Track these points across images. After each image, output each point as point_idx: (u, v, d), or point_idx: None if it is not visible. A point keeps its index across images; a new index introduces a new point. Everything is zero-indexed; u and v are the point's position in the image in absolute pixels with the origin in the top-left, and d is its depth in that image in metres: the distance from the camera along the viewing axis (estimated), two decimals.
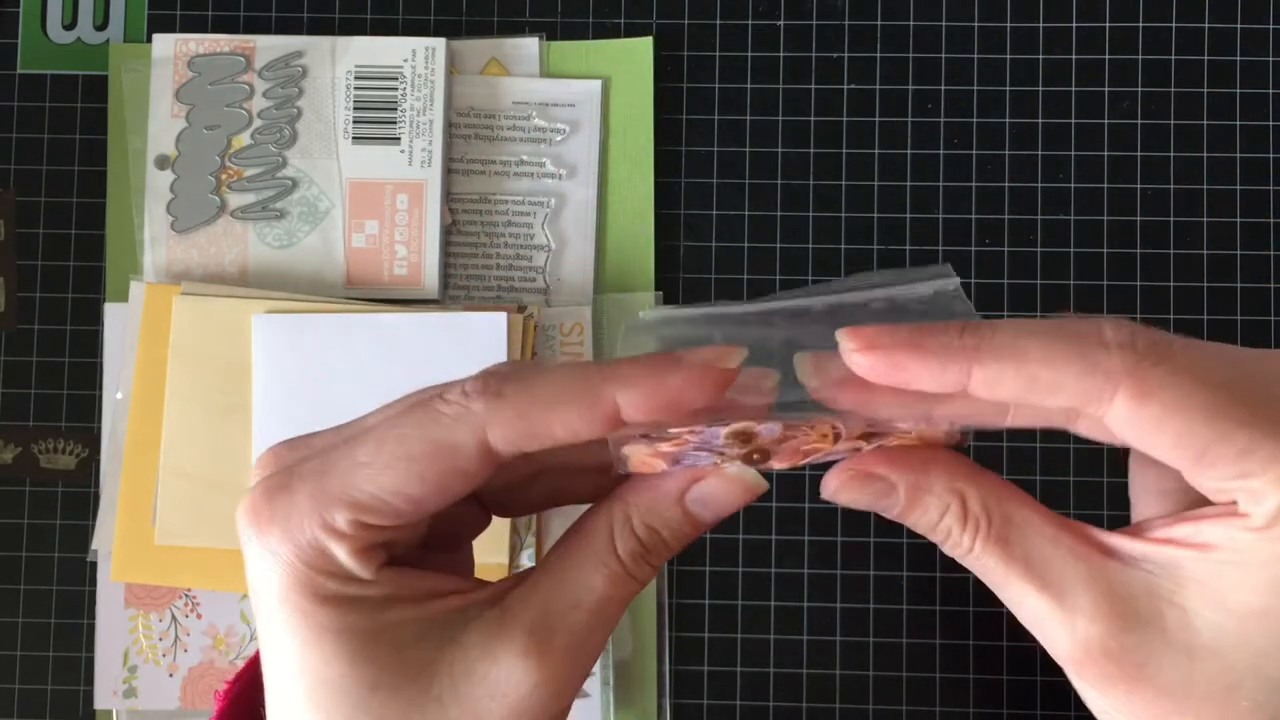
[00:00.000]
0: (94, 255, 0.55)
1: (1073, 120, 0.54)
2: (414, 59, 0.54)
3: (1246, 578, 0.27)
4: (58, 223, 0.55)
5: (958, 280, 0.28)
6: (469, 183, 0.54)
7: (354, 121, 0.54)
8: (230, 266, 0.54)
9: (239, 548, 0.53)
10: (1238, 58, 0.54)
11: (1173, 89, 0.54)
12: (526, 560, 0.52)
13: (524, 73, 0.55)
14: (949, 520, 0.29)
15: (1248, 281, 0.53)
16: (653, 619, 0.53)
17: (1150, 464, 0.33)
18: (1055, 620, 0.28)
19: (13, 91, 0.55)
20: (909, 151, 0.54)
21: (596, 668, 0.52)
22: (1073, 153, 0.54)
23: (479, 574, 0.33)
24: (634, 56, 0.55)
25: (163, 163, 0.54)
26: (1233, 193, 0.54)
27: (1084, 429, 0.29)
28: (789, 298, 0.28)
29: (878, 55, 0.54)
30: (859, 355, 0.27)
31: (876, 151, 0.54)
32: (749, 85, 0.55)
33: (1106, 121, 0.54)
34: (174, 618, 0.53)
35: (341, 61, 0.54)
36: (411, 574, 0.29)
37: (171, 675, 0.53)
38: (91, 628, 0.53)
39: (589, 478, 0.31)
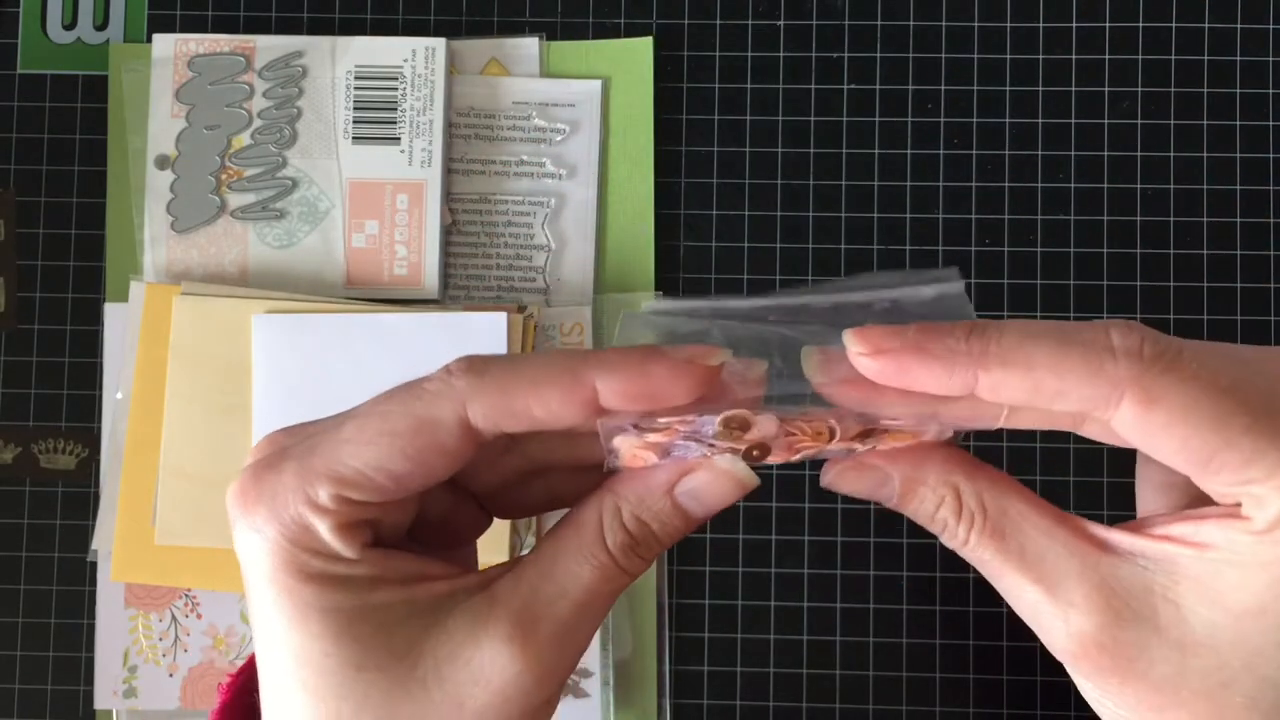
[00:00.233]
0: (94, 255, 0.55)
1: (1073, 120, 0.54)
2: (414, 59, 0.54)
3: (1244, 578, 0.27)
4: (58, 223, 0.55)
5: (962, 284, 0.28)
6: (469, 183, 0.54)
7: (354, 121, 0.54)
8: (230, 266, 0.54)
9: None
10: (1238, 58, 0.54)
11: (1173, 89, 0.54)
12: None
13: (524, 73, 0.55)
14: (944, 512, 0.29)
15: (1248, 281, 0.53)
16: (653, 619, 0.53)
17: (1155, 459, 0.33)
18: (1050, 613, 0.28)
19: (13, 91, 0.55)
20: (909, 151, 0.54)
21: (596, 667, 0.52)
22: (1073, 153, 0.54)
23: None
24: (634, 56, 0.55)
25: (163, 163, 0.54)
26: (1233, 193, 0.54)
27: (1089, 431, 0.29)
28: (790, 295, 0.28)
29: (878, 55, 0.54)
30: (866, 359, 0.27)
31: (876, 151, 0.54)
32: (749, 85, 0.55)
33: (1106, 121, 0.54)
34: (174, 618, 0.53)
35: (341, 61, 0.54)
36: (398, 556, 0.29)
37: (171, 675, 0.53)
38: (91, 628, 0.53)
39: (589, 479, 0.31)
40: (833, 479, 0.30)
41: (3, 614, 0.54)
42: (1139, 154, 0.54)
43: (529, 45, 0.55)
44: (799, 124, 0.54)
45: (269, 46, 0.54)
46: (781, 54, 0.55)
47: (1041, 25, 0.54)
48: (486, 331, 0.51)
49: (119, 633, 0.53)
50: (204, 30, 0.55)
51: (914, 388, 0.27)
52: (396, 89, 0.54)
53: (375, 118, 0.54)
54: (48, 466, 0.54)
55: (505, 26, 0.55)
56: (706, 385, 0.27)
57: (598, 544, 0.29)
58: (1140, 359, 0.26)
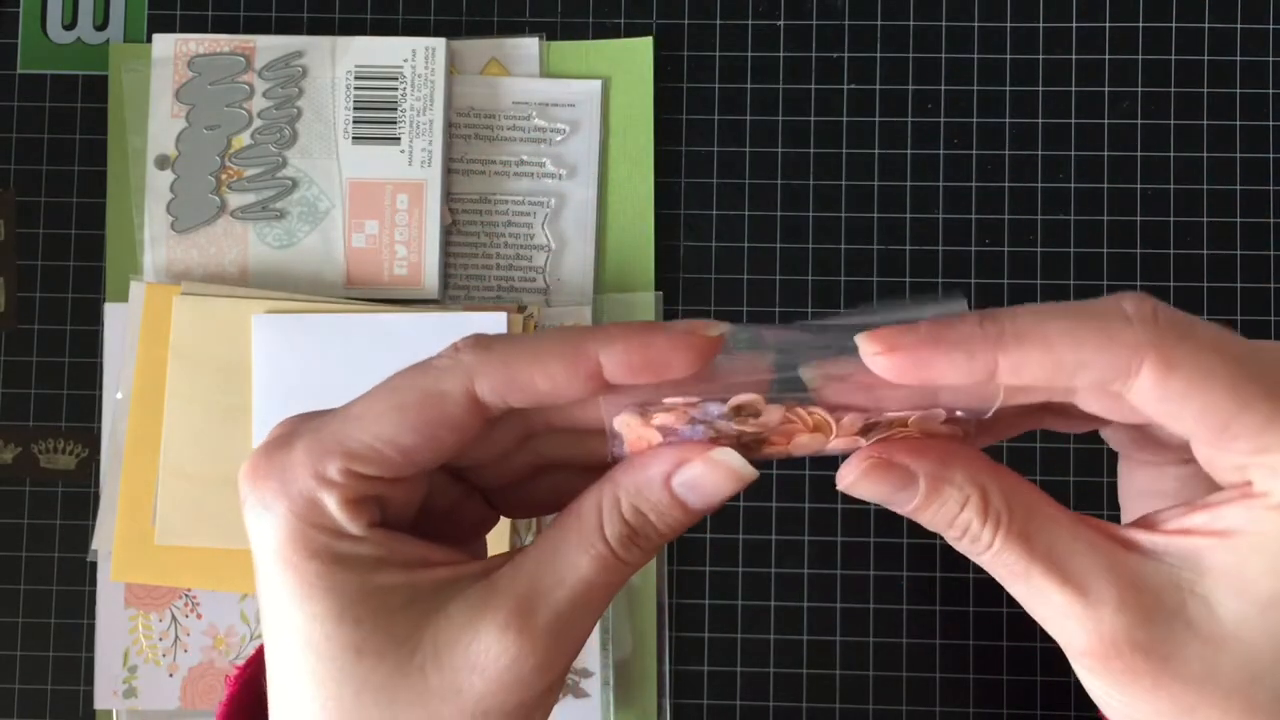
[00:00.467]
0: (94, 255, 0.55)
1: (1073, 120, 0.54)
2: (414, 59, 0.54)
3: (1270, 563, 0.27)
4: (58, 223, 0.55)
5: (965, 304, 0.28)
6: (469, 183, 0.54)
7: (354, 121, 0.54)
8: (230, 266, 0.54)
9: (239, 547, 0.54)
10: (1238, 58, 0.54)
11: (1173, 89, 0.54)
12: None
13: (524, 73, 0.55)
14: (968, 514, 0.28)
15: (1248, 281, 0.53)
16: (653, 619, 0.53)
17: (1141, 467, 0.33)
18: (1078, 614, 0.27)
19: (13, 91, 0.55)
20: (909, 151, 0.54)
21: (596, 667, 0.52)
22: (1073, 153, 0.54)
23: None
24: (634, 56, 0.55)
25: (163, 163, 0.54)
26: (1233, 193, 0.54)
27: (1062, 426, 0.29)
28: (787, 329, 0.28)
29: (878, 55, 0.55)
30: (882, 357, 0.27)
31: (876, 151, 0.54)
32: (749, 85, 0.55)
33: (1106, 121, 0.54)
34: (174, 618, 0.53)
35: (341, 61, 0.54)
36: (403, 539, 0.29)
37: (171, 675, 0.53)
38: (91, 628, 0.53)
39: (595, 478, 0.31)
40: (852, 482, 0.29)
41: (3, 614, 0.54)
42: (1139, 154, 0.54)
43: (529, 45, 0.55)
44: (799, 124, 0.54)
45: (269, 46, 0.54)
46: (781, 54, 0.55)
47: (1041, 25, 0.54)
48: (486, 331, 0.51)
49: (119, 633, 0.53)
50: (204, 30, 0.55)
51: (933, 381, 0.27)
52: (396, 89, 0.54)
53: (375, 118, 0.54)
54: (48, 466, 0.54)
55: (505, 26, 0.55)
56: (707, 357, 0.27)
57: (596, 534, 0.29)
58: (1156, 326, 0.26)
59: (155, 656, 0.53)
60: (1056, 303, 0.27)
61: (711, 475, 0.29)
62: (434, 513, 0.31)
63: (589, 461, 0.31)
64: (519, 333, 0.52)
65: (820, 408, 0.28)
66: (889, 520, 0.53)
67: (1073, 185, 0.54)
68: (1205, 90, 0.54)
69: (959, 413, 0.29)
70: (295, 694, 0.28)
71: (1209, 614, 0.27)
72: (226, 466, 0.52)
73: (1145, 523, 0.29)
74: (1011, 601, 0.54)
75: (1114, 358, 0.26)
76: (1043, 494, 0.29)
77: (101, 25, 0.55)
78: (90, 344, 0.54)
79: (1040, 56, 0.54)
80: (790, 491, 0.53)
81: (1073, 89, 0.54)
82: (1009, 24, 0.54)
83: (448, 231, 0.54)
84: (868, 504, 0.53)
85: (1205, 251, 0.53)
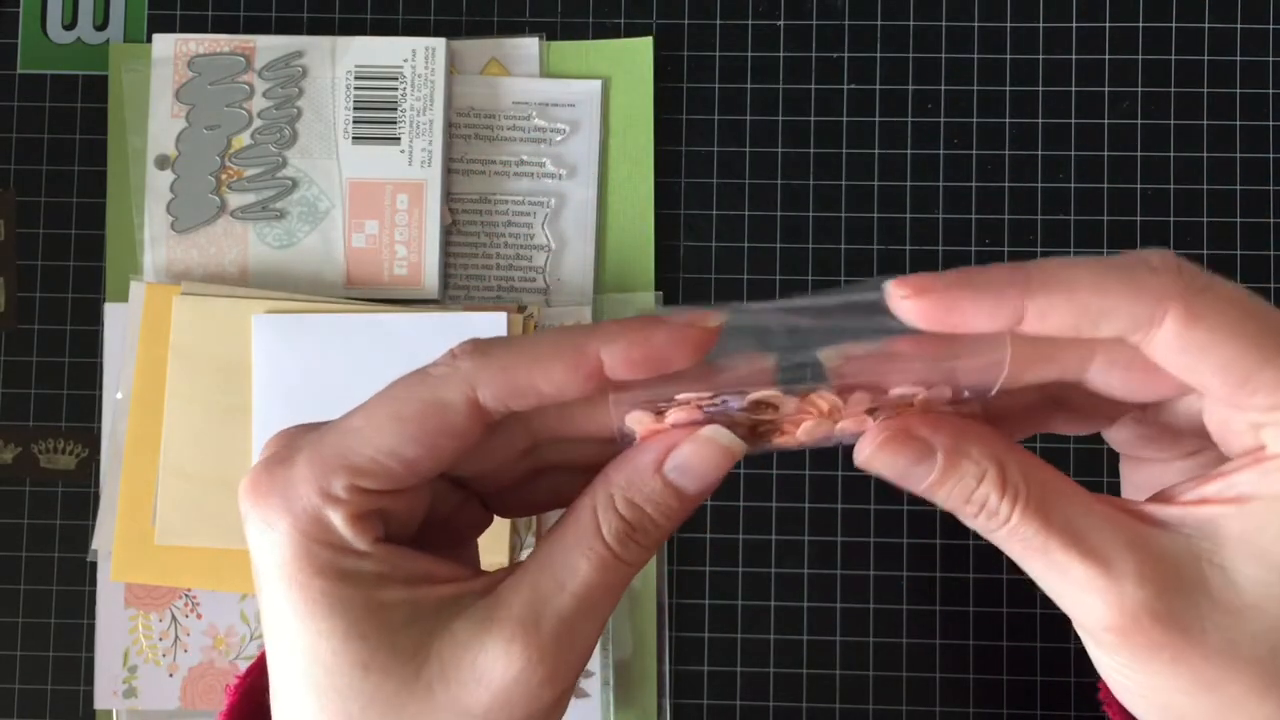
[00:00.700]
0: (94, 255, 0.55)
1: (1073, 120, 0.54)
2: (414, 59, 0.54)
3: None
4: (58, 223, 0.55)
5: None
6: (469, 183, 0.54)
7: (354, 121, 0.54)
8: (230, 266, 0.54)
9: (239, 547, 0.53)
10: (1238, 58, 0.54)
11: (1173, 89, 0.54)
12: None
13: (524, 73, 0.55)
14: (986, 488, 0.28)
15: (1248, 281, 0.53)
16: (653, 619, 0.53)
17: (1142, 465, 0.33)
18: (1100, 587, 0.27)
19: (13, 91, 0.55)
20: (909, 151, 0.54)
21: (596, 667, 0.52)
22: (1073, 153, 0.54)
23: None
24: (634, 56, 0.55)
25: (163, 163, 0.54)
26: (1233, 193, 0.54)
27: (1101, 380, 0.28)
28: (794, 299, 0.28)
29: (878, 55, 0.55)
30: (911, 301, 0.27)
31: (876, 151, 0.54)
32: (749, 85, 0.55)
33: (1106, 121, 0.54)
34: (174, 618, 0.53)
35: (341, 61, 0.54)
36: (408, 553, 0.29)
37: (171, 675, 0.53)
38: (91, 628, 0.53)
39: (595, 475, 0.30)
40: (869, 455, 0.28)
41: (3, 614, 0.54)
42: (1139, 154, 0.54)
43: (529, 45, 0.55)
44: (799, 124, 0.54)
45: (269, 46, 0.54)
46: (781, 54, 0.55)
47: (1041, 25, 0.54)
48: (486, 332, 0.51)
49: (119, 633, 0.53)
50: (204, 30, 0.55)
51: (961, 326, 0.27)
52: (396, 89, 0.54)
53: (375, 118, 0.54)
54: (48, 466, 0.54)
55: (505, 26, 0.55)
56: (707, 348, 0.27)
57: (594, 535, 0.29)
58: (1180, 277, 0.26)
59: (155, 656, 0.53)
60: (1081, 256, 0.27)
61: (700, 454, 0.29)
62: (431, 519, 0.31)
63: (590, 463, 0.30)
64: (517, 334, 0.52)
65: (831, 392, 0.28)
66: (889, 520, 0.53)
67: (1073, 185, 0.54)
68: (1205, 90, 0.54)
69: (965, 393, 0.29)
70: (302, 709, 0.28)
71: (1228, 583, 0.27)
72: (226, 466, 0.52)
73: (1161, 497, 0.29)
74: (1012, 602, 0.54)
75: (1139, 306, 0.26)
76: (1056, 470, 0.29)
77: (101, 25, 0.55)
78: (90, 344, 0.54)
79: (1040, 56, 0.54)
80: (790, 491, 0.53)
81: (1073, 89, 0.54)
82: (1009, 24, 0.54)
83: (448, 231, 0.54)
84: (868, 504, 0.53)
85: (1205, 251, 0.53)
